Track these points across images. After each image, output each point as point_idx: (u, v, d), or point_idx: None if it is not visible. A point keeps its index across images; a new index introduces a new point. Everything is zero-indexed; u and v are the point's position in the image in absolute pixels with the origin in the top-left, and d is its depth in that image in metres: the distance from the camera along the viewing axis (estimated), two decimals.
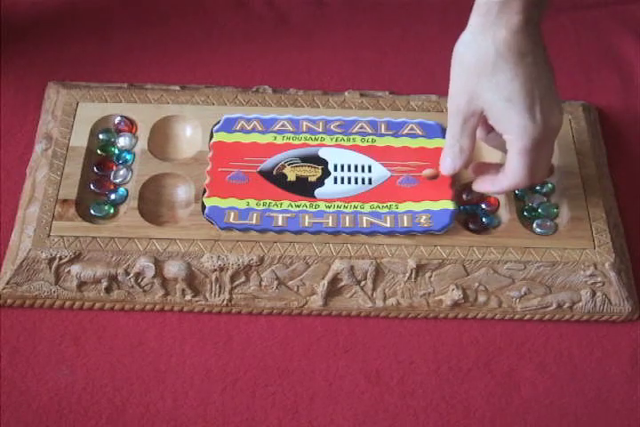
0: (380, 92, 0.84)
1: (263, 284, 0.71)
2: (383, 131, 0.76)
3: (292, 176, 0.73)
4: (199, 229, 0.71)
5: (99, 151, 0.77)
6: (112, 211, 0.73)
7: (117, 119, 0.78)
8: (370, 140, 0.76)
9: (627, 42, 0.94)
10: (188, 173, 0.74)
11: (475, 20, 0.64)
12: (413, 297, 0.72)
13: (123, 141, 0.77)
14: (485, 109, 0.65)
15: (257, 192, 0.72)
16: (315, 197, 0.72)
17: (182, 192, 0.74)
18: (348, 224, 0.71)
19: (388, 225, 0.71)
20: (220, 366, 0.69)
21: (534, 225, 0.74)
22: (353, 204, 0.72)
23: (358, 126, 0.77)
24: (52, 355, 0.69)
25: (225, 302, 0.71)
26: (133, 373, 0.68)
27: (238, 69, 0.89)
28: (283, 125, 0.76)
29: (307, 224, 0.71)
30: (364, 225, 0.71)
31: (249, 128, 0.76)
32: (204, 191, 0.72)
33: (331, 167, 0.74)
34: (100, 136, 0.77)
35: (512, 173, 0.66)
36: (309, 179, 0.73)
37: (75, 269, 0.70)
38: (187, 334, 0.71)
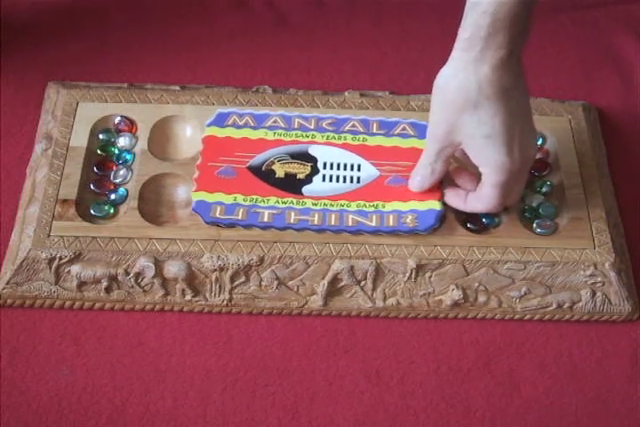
0: (379, 92, 0.84)
1: (263, 284, 0.71)
2: (375, 130, 0.76)
3: (280, 173, 0.73)
4: (199, 229, 0.71)
5: (99, 151, 0.77)
6: (112, 211, 0.73)
7: (117, 119, 0.78)
8: (361, 139, 0.76)
9: (627, 42, 0.94)
10: (187, 173, 0.74)
11: (457, 54, 0.63)
12: (413, 297, 0.72)
13: (123, 141, 0.77)
14: (464, 143, 0.65)
15: (245, 187, 0.72)
16: (302, 194, 0.72)
17: (182, 192, 0.74)
18: (333, 222, 0.71)
19: (374, 224, 0.71)
20: (220, 366, 0.69)
21: (534, 225, 0.74)
22: (340, 202, 0.72)
23: (350, 125, 0.77)
24: (52, 355, 0.69)
25: (225, 302, 0.71)
26: (133, 373, 0.68)
27: (238, 69, 0.89)
28: (275, 121, 0.76)
29: (292, 221, 0.70)
30: (350, 224, 0.71)
31: (241, 123, 0.76)
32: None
33: (320, 165, 0.74)
34: (100, 136, 0.77)
35: (485, 200, 0.67)
36: (298, 176, 0.73)
37: (75, 269, 0.70)
38: (187, 334, 0.71)
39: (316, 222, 0.71)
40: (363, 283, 0.71)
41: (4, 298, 0.71)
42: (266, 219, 0.70)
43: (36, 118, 0.81)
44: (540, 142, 0.79)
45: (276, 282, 0.71)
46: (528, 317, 0.73)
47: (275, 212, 0.71)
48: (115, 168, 0.76)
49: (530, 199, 0.76)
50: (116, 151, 0.77)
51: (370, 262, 0.70)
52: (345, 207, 0.71)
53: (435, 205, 0.71)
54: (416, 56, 0.92)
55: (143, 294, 0.71)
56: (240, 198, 0.71)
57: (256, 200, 0.71)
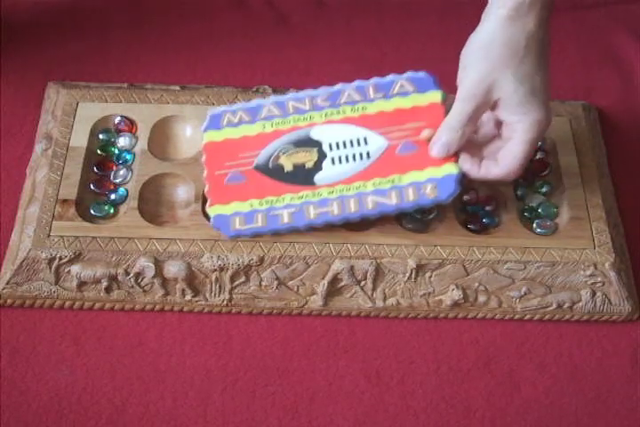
0: None
1: (263, 284, 0.71)
2: (372, 95, 0.72)
3: (288, 165, 0.70)
4: (199, 229, 0.71)
5: (99, 151, 0.77)
6: (112, 211, 0.73)
7: (117, 119, 0.78)
8: (360, 108, 0.71)
9: (627, 42, 0.94)
10: (187, 173, 0.74)
11: (500, 11, 0.64)
12: (413, 297, 0.72)
13: (123, 141, 0.77)
14: (503, 99, 0.65)
15: (257, 190, 0.70)
16: (315, 183, 0.70)
17: (182, 192, 0.74)
18: (353, 209, 0.68)
19: (395, 202, 0.68)
20: (220, 366, 0.69)
21: (534, 225, 0.74)
22: (355, 184, 0.69)
23: (346, 95, 0.72)
24: (52, 355, 0.69)
25: (225, 302, 0.71)
26: (133, 373, 0.68)
27: (238, 69, 0.89)
28: (269, 111, 0.73)
29: (312, 216, 0.68)
30: (370, 206, 0.68)
31: (236, 120, 0.73)
32: (202, 198, 0.72)
33: (325, 148, 0.70)
34: (100, 136, 0.77)
35: (512, 161, 0.66)
36: (306, 165, 0.70)
37: (75, 269, 0.70)
38: (187, 334, 0.71)
39: (336, 213, 0.68)
40: (363, 283, 0.71)
41: (4, 298, 0.71)
42: (286, 220, 0.68)
43: (36, 118, 0.81)
44: (540, 142, 0.79)
45: (275, 282, 0.71)
46: (528, 317, 0.73)
47: (293, 210, 0.69)
48: (115, 168, 0.76)
49: (530, 199, 0.76)
50: (116, 151, 0.77)
51: (370, 262, 0.70)
52: (361, 189, 0.68)
53: (451, 169, 0.67)
54: (416, 56, 0.92)
55: (143, 294, 0.71)
56: (256, 203, 0.69)
57: (271, 202, 0.69)
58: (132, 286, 0.71)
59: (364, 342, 0.71)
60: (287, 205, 0.69)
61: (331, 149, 0.71)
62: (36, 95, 0.83)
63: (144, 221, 0.71)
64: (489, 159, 0.67)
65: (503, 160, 0.66)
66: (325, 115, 0.72)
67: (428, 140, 0.68)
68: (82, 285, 0.70)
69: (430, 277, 0.71)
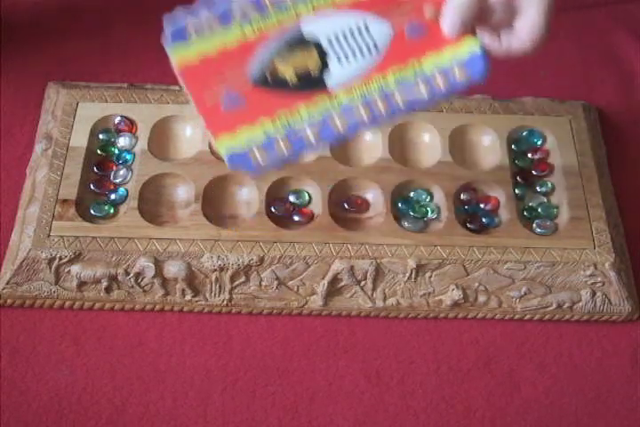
0: None
1: (263, 284, 0.71)
2: None
3: (290, 75, 0.60)
4: (199, 229, 0.71)
5: (99, 151, 0.77)
6: (112, 211, 0.73)
7: (117, 119, 0.78)
8: None
9: (627, 42, 0.94)
10: (187, 173, 0.74)
11: None
12: (413, 297, 0.72)
13: (123, 141, 0.77)
14: None
15: (264, 108, 0.60)
16: (327, 88, 0.60)
17: (182, 192, 0.74)
18: (382, 109, 0.60)
19: (425, 94, 0.60)
20: (220, 366, 0.69)
21: (534, 225, 0.74)
22: (374, 80, 0.60)
23: None
24: (52, 355, 0.69)
25: (225, 302, 0.71)
26: (133, 373, 0.68)
27: None
28: (243, 12, 0.61)
29: (341, 128, 0.60)
30: (401, 103, 0.60)
31: (205, 26, 0.60)
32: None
33: (325, 44, 0.61)
34: (100, 136, 0.77)
35: (532, 31, 0.62)
36: (311, 70, 0.60)
37: (75, 269, 0.70)
38: (187, 334, 0.71)
39: (365, 118, 0.60)
40: (363, 283, 0.71)
41: (4, 298, 0.71)
42: (312, 139, 0.60)
43: (36, 118, 0.81)
44: (539, 142, 0.79)
45: (275, 282, 0.71)
46: (528, 317, 0.73)
47: (316, 126, 0.60)
48: (115, 168, 0.76)
49: (530, 199, 0.76)
50: (116, 151, 0.77)
51: (370, 262, 0.70)
52: (384, 86, 0.60)
53: (472, 45, 0.61)
54: None
55: (143, 294, 0.71)
56: (268, 125, 0.60)
57: (287, 120, 0.60)
58: (132, 286, 0.71)
59: (363, 342, 0.71)
60: (307, 121, 0.60)
61: (331, 44, 0.61)
62: (36, 95, 0.83)
63: (144, 221, 0.71)
64: (505, 34, 0.62)
65: (522, 31, 0.62)
66: (312, 5, 0.61)
67: (435, 17, 0.61)
68: (82, 285, 0.70)
69: (430, 277, 0.71)
